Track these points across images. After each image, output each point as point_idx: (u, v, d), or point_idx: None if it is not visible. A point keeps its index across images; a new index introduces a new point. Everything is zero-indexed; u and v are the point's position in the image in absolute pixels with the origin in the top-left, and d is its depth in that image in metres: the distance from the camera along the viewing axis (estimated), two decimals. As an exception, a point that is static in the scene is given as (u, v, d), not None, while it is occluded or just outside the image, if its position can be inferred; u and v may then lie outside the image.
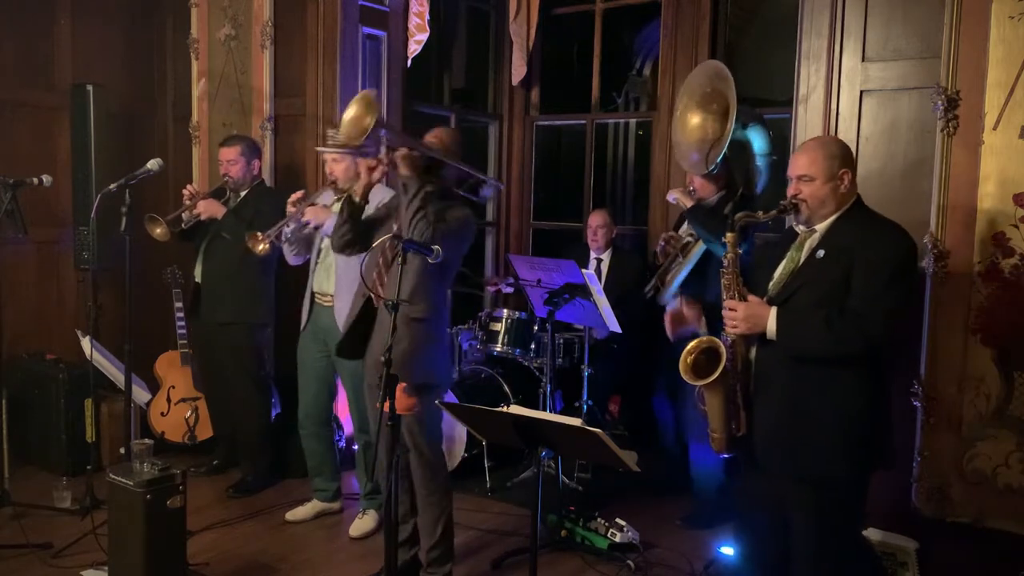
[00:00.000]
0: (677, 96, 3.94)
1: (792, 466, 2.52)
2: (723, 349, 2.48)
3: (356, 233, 3.19)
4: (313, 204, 3.77)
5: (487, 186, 3.14)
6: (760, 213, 2.61)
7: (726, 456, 2.69)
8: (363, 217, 3.23)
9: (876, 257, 2.43)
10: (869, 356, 2.47)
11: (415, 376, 3.05)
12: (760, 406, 2.57)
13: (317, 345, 3.87)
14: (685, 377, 2.53)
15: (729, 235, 2.55)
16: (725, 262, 2.57)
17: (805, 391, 2.48)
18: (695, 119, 3.74)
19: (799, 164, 2.56)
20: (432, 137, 3.21)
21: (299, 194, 3.80)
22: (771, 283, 2.60)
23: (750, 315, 2.49)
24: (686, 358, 2.54)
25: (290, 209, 3.75)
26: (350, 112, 2.90)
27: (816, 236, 2.56)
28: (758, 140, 3.72)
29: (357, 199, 3.16)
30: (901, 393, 3.25)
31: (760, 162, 3.73)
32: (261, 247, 3.77)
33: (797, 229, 2.64)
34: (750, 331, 2.50)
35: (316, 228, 3.75)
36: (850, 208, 2.55)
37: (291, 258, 3.99)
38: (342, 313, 3.63)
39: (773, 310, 2.48)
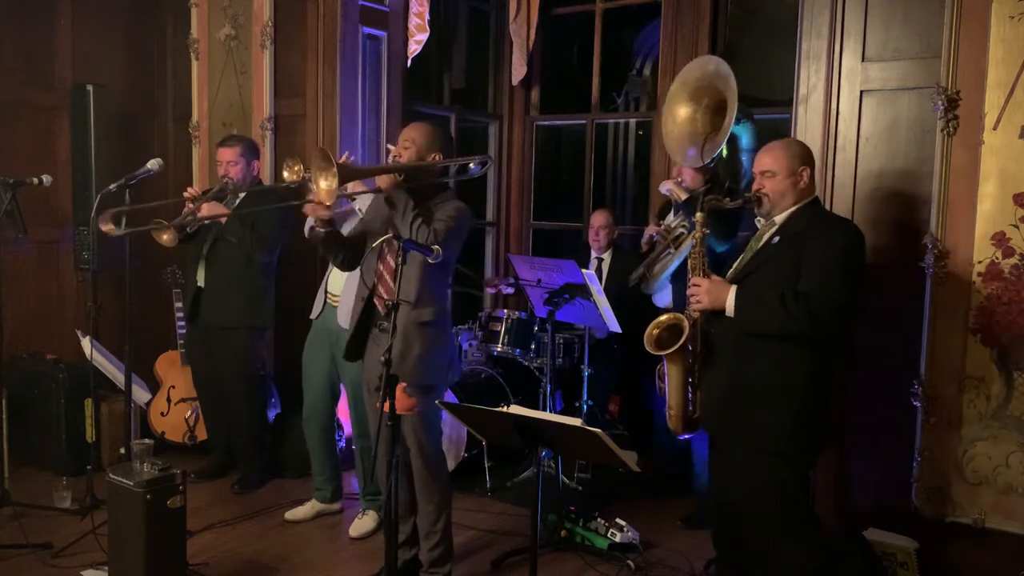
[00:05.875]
0: (672, 84, 3.92)
1: (735, 433, 2.74)
2: (686, 325, 2.72)
3: (345, 253, 3.17)
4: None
5: (475, 164, 3.09)
6: (726, 200, 2.85)
7: (684, 437, 2.91)
8: (362, 221, 3.22)
9: (826, 246, 2.65)
10: (815, 339, 2.65)
11: (425, 379, 3.05)
12: (709, 377, 2.79)
13: (324, 345, 3.86)
14: (649, 348, 2.76)
15: (698, 215, 2.79)
16: (692, 241, 2.81)
17: (751, 364, 2.70)
18: (684, 111, 3.73)
19: (763, 161, 2.82)
20: (404, 143, 3.08)
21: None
22: (730, 271, 2.83)
23: (711, 290, 2.73)
24: (651, 331, 2.78)
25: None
26: (321, 184, 2.80)
27: (774, 227, 2.79)
28: (745, 135, 3.73)
29: (320, 230, 3.08)
30: (901, 393, 3.25)
31: (746, 157, 3.74)
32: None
33: (757, 223, 2.86)
34: (711, 306, 2.73)
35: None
36: (807, 204, 2.79)
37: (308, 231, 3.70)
38: (344, 314, 3.64)
39: (733, 288, 2.71)
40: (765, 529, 2.75)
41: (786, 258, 2.69)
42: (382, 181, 2.98)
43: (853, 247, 2.69)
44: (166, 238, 4.02)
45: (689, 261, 2.80)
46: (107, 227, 3.85)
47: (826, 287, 2.59)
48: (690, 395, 2.81)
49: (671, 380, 2.79)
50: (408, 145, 3.08)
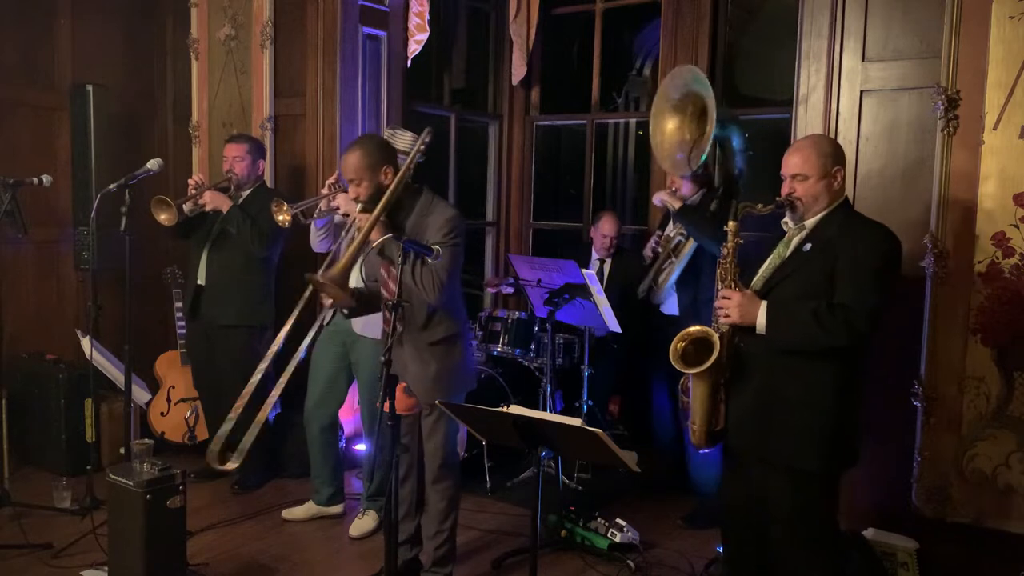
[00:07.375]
0: (653, 101, 3.93)
1: (763, 450, 2.61)
2: (716, 339, 2.55)
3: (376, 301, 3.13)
4: (346, 191, 3.56)
5: (423, 147, 3.02)
6: (760, 206, 2.66)
7: (707, 451, 2.77)
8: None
9: (862, 254, 2.50)
10: (848, 352, 2.53)
11: (445, 395, 3.00)
12: (737, 393, 2.65)
13: (334, 346, 3.85)
14: (675, 364, 2.58)
15: (731, 224, 2.60)
16: (724, 251, 2.62)
17: (781, 380, 2.56)
18: (671, 123, 3.75)
19: (792, 163, 2.63)
20: (353, 181, 2.96)
21: (333, 177, 3.75)
22: (755, 278, 2.66)
23: (743, 303, 2.56)
24: (677, 345, 2.60)
25: (323, 190, 3.69)
26: (329, 300, 2.94)
27: (804, 232, 2.63)
28: (734, 137, 3.74)
29: (375, 245, 2.95)
30: (901, 393, 3.25)
31: (739, 158, 3.75)
32: (283, 217, 3.69)
33: (785, 227, 2.71)
34: (741, 321, 2.57)
35: (344, 216, 3.58)
36: (839, 206, 2.63)
37: (317, 244, 3.93)
38: (360, 322, 3.63)
39: (763, 303, 2.55)
40: (788, 540, 2.64)
41: (817, 267, 2.54)
42: (372, 236, 2.86)
43: (890, 256, 2.53)
44: (164, 217, 4.00)
45: (718, 271, 2.64)
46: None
47: (862, 299, 2.45)
48: (715, 410, 2.66)
49: (696, 395, 2.64)
50: (358, 180, 2.95)
